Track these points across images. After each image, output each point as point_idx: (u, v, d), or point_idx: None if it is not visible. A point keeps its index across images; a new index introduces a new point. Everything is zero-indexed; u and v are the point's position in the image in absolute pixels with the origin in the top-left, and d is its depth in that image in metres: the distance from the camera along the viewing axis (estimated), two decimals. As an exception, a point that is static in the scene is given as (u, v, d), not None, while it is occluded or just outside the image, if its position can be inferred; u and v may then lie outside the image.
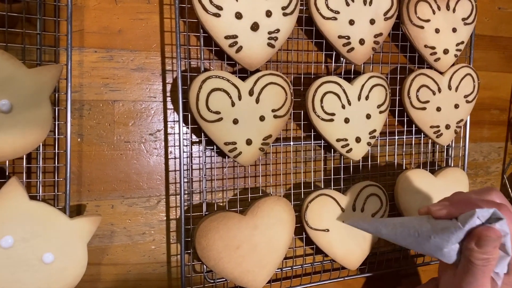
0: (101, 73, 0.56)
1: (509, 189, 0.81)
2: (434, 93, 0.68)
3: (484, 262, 0.40)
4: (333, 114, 0.62)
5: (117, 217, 0.58)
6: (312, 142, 0.64)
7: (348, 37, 0.61)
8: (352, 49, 0.61)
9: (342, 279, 0.68)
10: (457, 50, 0.68)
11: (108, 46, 0.56)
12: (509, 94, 0.81)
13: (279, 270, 0.64)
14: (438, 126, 0.69)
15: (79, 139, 0.55)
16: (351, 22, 0.61)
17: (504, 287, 0.44)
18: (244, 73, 0.58)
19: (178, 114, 0.55)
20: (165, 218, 0.60)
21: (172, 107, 0.59)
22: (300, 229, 0.63)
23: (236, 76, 0.57)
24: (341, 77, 0.62)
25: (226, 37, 0.54)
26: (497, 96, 0.80)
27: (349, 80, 0.63)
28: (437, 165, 0.74)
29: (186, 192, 0.59)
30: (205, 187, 0.59)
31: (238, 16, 0.54)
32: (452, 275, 0.45)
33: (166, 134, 0.59)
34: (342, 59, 0.64)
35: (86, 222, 0.51)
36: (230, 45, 0.55)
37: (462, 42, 0.69)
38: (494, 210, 0.40)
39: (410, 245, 0.46)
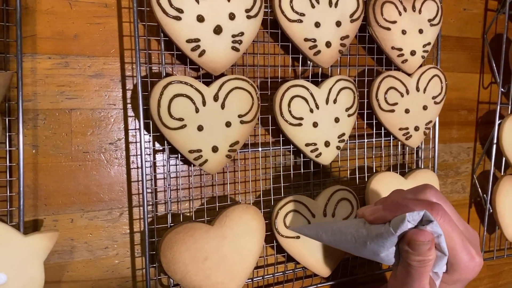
0: (56, 80, 0.53)
1: (479, 189, 0.81)
2: (402, 95, 0.67)
3: (420, 264, 0.40)
4: (301, 119, 0.60)
5: (77, 232, 0.55)
6: (281, 147, 0.63)
7: (314, 40, 0.60)
8: (319, 52, 0.60)
9: (315, 286, 0.67)
10: (424, 51, 0.68)
11: (63, 52, 0.53)
12: (476, 95, 0.82)
13: (250, 280, 0.62)
14: (407, 128, 0.68)
15: (34, 151, 0.52)
16: (317, 25, 0.59)
17: (444, 285, 0.44)
18: (208, 78, 0.56)
19: (139, 121, 0.53)
20: (129, 231, 0.57)
21: (133, 115, 0.57)
22: (271, 237, 0.62)
23: (200, 81, 0.55)
24: (308, 81, 0.61)
25: (188, 41, 0.52)
26: (464, 97, 0.81)
27: (317, 83, 0.62)
28: (408, 167, 0.74)
29: (150, 203, 0.56)
30: (170, 197, 0.57)
31: (200, 19, 0.52)
32: (394, 276, 0.45)
33: (127, 143, 0.56)
34: (309, 62, 0.63)
35: (41, 238, 0.48)
36: (193, 49, 0.53)
37: (429, 43, 0.69)
38: (425, 212, 0.39)
39: (349, 250, 0.45)
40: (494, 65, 0.79)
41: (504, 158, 0.79)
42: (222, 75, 0.56)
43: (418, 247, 0.39)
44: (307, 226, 0.51)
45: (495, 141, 0.78)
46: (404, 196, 0.44)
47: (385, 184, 0.68)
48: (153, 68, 0.57)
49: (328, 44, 0.60)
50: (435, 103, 0.70)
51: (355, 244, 0.43)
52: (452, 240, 0.41)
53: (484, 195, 0.80)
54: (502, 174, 0.80)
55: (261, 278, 0.63)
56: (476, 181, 0.82)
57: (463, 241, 0.41)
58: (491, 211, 0.79)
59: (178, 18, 0.51)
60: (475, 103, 0.82)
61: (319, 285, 0.67)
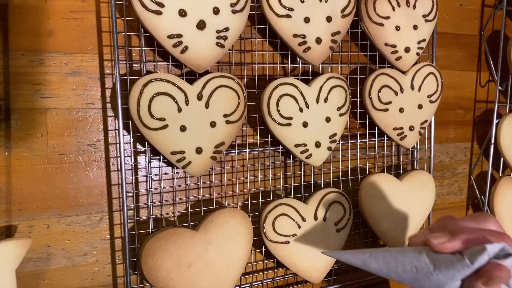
0: (31, 78, 0.50)
1: (476, 191, 0.79)
2: (396, 94, 0.65)
3: None
4: (290, 118, 0.58)
5: (54, 238, 0.52)
6: (270, 148, 0.60)
7: (304, 36, 0.57)
8: (309, 48, 0.58)
9: (306, 293, 0.64)
10: (418, 48, 0.66)
11: (38, 48, 0.50)
12: (473, 93, 0.80)
13: (237, 287, 0.59)
14: (401, 128, 0.66)
15: (6, 153, 0.50)
16: (307, 20, 0.57)
17: None
18: (192, 75, 0.54)
19: (118, 122, 0.50)
20: (109, 236, 0.54)
21: (113, 114, 0.54)
22: (260, 242, 0.59)
23: (183, 79, 0.52)
24: (298, 79, 0.58)
25: (169, 37, 0.50)
26: (461, 96, 0.78)
27: (307, 81, 0.59)
28: (402, 168, 0.71)
29: (131, 207, 0.54)
30: (152, 202, 0.54)
31: (182, 13, 0.50)
32: None
33: (106, 144, 0.54)
34: (298, 59, 0.60)
35: (12, 246, 0.45)
36: (174, 45, 0.50)
37: (424, 40, 0.66)
38: (504, 246, 0.36)
39: (404, 281, 0.41)
40: (491, 62, 0.76)
41: (502, 159, 0.76)
42: (207, 72, 0.53)
43: (497, 282, 0.35)
44: (350, 252, 0.45)
45: (492, 141, 0.75)
46: (465, 224, 0.41)
47: (379, 186, 0.65)
48: (133, 65, 0.54)
49: (318, 41, 0.58)
50: (431, 102, 0.68)
51: (416, 274, 0.40)
52: None
53: (482, 197, 0.78)
54: (500, 175, 0.77)
55: (249, 285, 0.60)
56: (474, 183, 0.80)
57: None
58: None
59: (158, 13, 0.49)
60: (472, 102, 0.80)
61: (310, 292, 0.64)
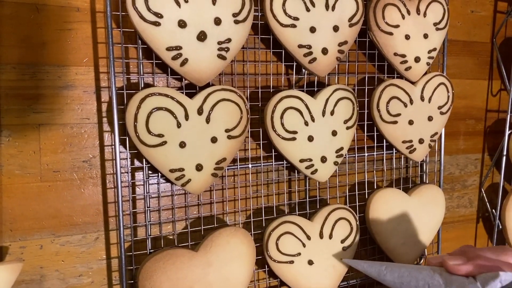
0: (23, 93, 0.48)
1: (487, 204, 0.76)
2: (405, 105, 0.62)
3: None
4: (295, 132, 0.55)
5: (47, 259, 0.50)
6: (273, 163, 0.58)
7: (310, 46, 0.54)
8: (314, 59, 0.55)
9: (311, 312, 0.61)
10: (429, 57, 0.63)
11: (30, 61, 0.48)
12: (484, 102, 0.77)
13: (239, 308, 0.57)
14: (411, 141, 0.63)
15: (-3, 171, 0.47)
16: (312, 30, 0.54)
17: None
18: (192, 88, 0.51)
19: (115, 137, 0.47)
20: (105, 256, 0.52)
21: (109, 130, 0.51)
22: (263, 260, 0.57)
23: (183, 92, 0.49)
24: (303, 91, 0.56)
25: (168, 49, 0.47)
26: (472, 105, 0.76)
27: (312, 93, 0.57)
28: (411, 182, 0.68)
29: (128, 226, 0.51)
30: (149, 221, 0.52)
31: (182, 24, 0.47)
32: None
33: (102, 160, 0.51)
34: (304, 70, 0.58)
35: (2, 271, 0.43)
36: (174, 58, 0.48)
37: (435, 49, 0.63)
38: None
39: None
40: (504, 70, 0.73)
41: (514, 171, 0.73)
42: (208, 85, 0.51)
43: None
44: (367, 262, 0.48)
45: (504, 152, 0.72)
46: (483, 254, 0.43)
47: (387, 201, 0.62)
48: (131, 78, 0.52)
49: (324, 51, 0.55)
50: (441, 113, 0.65)
51: None
52: None
53: (493, 210, 0.75)
54: (512, 188, 0.75)
55: (252, 305, 0.58)
56: (484, 195, 0.77)
57: None
58: (500, 227, 0.73)
59: (157, 24, 0.46)
60: (483, 111, 0.77)
61: (315, 312, 0.61)
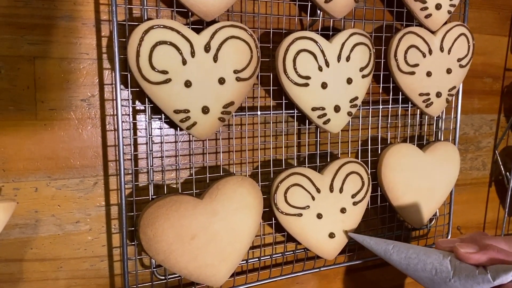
0: (16, 21, 0.44)
1: (501, 166, 0.73)
2: (424, 55, 0.58)
3: None
4: (308, 78, 0.51)
5: (42, 202, 0.47)
6: (284, 111, 0.54)
7: (326, -16, 0.50)
8: (331, -2, 0.51)
9: (318, 269, 0.59)
10: (450, 5, 0.59)
11: (24, -14, 0.44)
12: (503, 60, 0.73)
13: (244, 262, 0.55)
14: (428, 94, 0.59)
15: (-12, 106, 0.44)
16: (330, -35, 0.50)
17: None
18: (199, 25, 0.47)
19: (115, 74, 0.44)
20: (104, 203, 0.49)
21: (109, 67, 0.48)
22: (270, 213, 0.54)
23: (189, 27, 0.46)
24: (318, 34, 0.52)
25: (175, -23, 0.43)
26: (490, 63, 0.72)
27: (327, 38, 0.53)
28: (426, 139, 0.65)
29: (129, 171, 0.48)
30: (152, 166, 0.48)
31: (190, -50, 0.43)
32: None
33: (102, 100, 0.48)
34: (319, 12, 0.54)
35: (-6, 210, 0.40)
36: (180, -12, 0.44)
37: (457, -3, 0.59)
38: None
39: (421, 280, 0.43)
40: (526, 27, 0.70)
41: (532, 132, 0.70)
42: (215, 21, 0.47)
43: None
44: (374, 239, 0.48)
45: (522, 113, 0.69)
46: (497, 243, 0.42)
47: (401, 157, 0.59)
48: (133, 11, 0.48)
49: (342, -10, 0.51)
50: (460, 66, 0.62)
51: (433, 276, 0.41)
52: None
53: (507, 173, 0.73)
54: (528, 150, 0.72)
55: (257, 259, 0.56)
56: (499, 158, 0.74)
57: None
58: (514, 191, 0.71)
59: None
60: (502, 69, 0.73)
61: (322, 269, 0.59)
